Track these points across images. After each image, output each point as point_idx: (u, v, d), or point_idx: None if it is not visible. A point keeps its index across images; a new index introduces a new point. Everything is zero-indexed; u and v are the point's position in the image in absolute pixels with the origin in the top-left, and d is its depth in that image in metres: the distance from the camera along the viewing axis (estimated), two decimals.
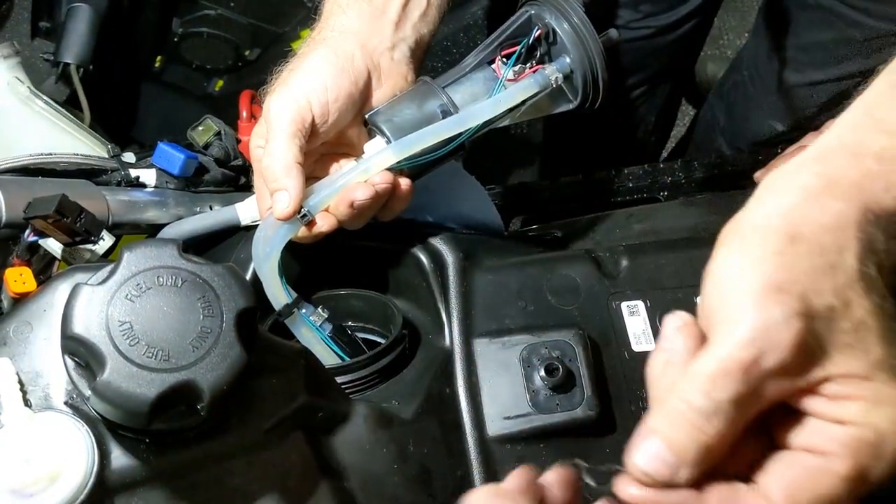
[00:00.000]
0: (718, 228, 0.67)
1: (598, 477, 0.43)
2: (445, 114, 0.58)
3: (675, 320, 0.38)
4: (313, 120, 0.57)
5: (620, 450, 0.56)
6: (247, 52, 1.24)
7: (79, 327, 0.39)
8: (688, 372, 0.35)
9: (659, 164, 0.94)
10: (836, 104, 0.71)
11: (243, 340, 0.40)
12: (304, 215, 0.55)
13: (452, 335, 0.58)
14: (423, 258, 0.61)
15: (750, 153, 1.00)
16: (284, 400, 0.44)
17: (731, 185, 0.87)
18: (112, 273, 0.40)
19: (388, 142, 0.58)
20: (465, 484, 0.53)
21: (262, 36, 1.23)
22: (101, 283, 0.40)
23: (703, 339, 0.36)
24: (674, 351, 0.37)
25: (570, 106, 0.64)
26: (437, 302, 0.60)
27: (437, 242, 0.61)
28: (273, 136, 0.56)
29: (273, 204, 0.54)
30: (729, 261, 0.36)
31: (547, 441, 0.56)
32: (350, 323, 0.61)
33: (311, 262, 0.62)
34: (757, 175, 0.71)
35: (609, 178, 0.91)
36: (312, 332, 0.57)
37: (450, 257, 0.60)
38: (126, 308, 0.39)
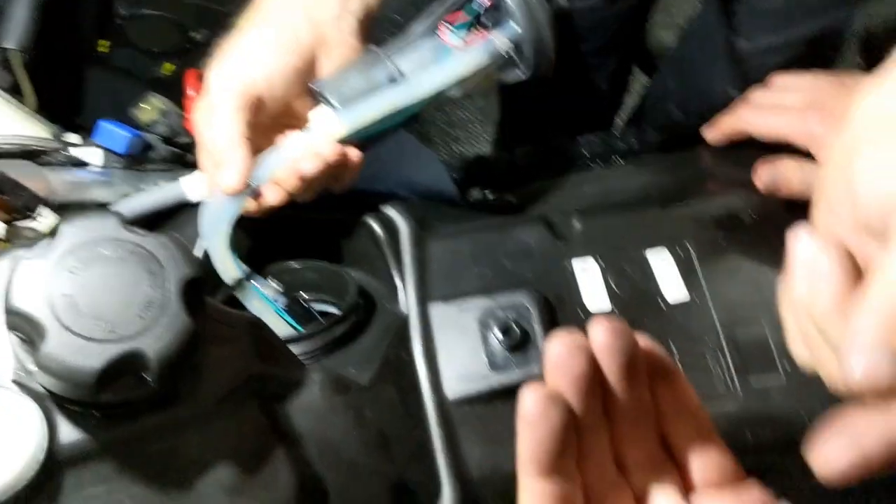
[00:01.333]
0: (668, 188, 0.68)
1: None
2: (393, 82, 0.58)
3: (807, 239, 0.33)
4: (258, 93, 0.56)
5: None
6: (194, 34, 1.22)
7: (19, 301, 0.38)
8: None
9: (613, 131, 0.95)
10: (787, 67, 0.72)
11: (190, 309, 0.40)
12: (252, 189, 0.55)
13: (408, 301, 0.58)
14: (376, 227, 0.61)
15: (702, 118, 1.01)
16: (236, 369, 0.44)
17: (683, 148, 0.88)
18: (52, 246, 0.40)
19: (336, 112, 0.57)
20: (425, 448, 0.53)
21: (210, 16, 1.21)
22: (41, 257, 0.39)
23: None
24: (824, 275, 0.32)
25: (521, 75, 0.64)
26: (391, 270, 0.60)
27: (390, 211, 0.61)
28: (218, 110, 0.55)
29: (219, 178, 0.54)
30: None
31: (506, 400, 0.56)
32: (305, 295, 0.61)
33: (262, 235, 0.62)
34: (706, 132, 0.72)
35: (563, 146, 0.92)
36: (265, 305, 0.57)
37: (403, 225, 0.60)
38: (68, 280, 0.39)
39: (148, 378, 0.39)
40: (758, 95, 0.70)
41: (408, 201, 0.63)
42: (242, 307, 0.58)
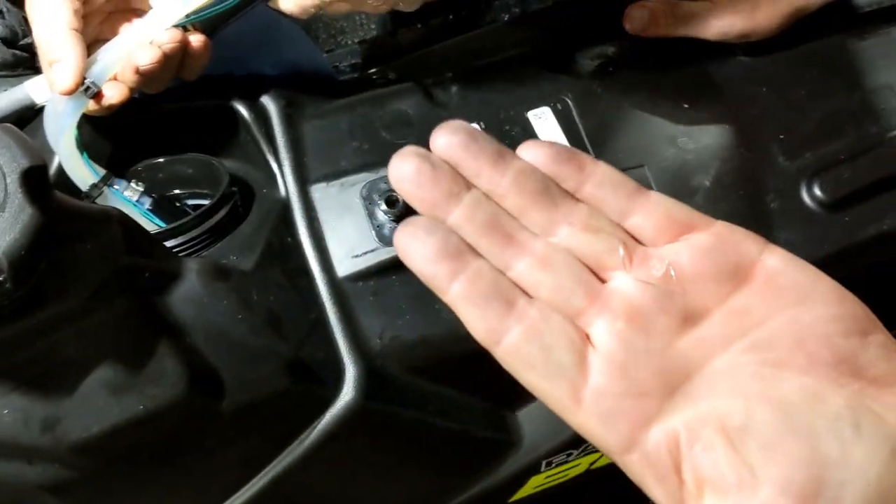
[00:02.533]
0: (544, 45, 0.67)
1: None
2: None
3: None
4: None
5: None
6: None
7: None
8: None
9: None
10: None
11: (35, 201, 0.37)
12: (88, 87, 0.50)
13: (287, 185, 0.56)
14: (244, 111, 0.58)
15: None
16: (102, 264, 0.42)
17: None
18: None
19: None
20: (320, 325, 0.53)
21: None
22: None
23: None
24: None
25: None
26: (265, 155, 0.58)
27: (258, 93, 0.58)
28: (41, 1, 0.51)
29: (51, 77, 0.50)
30: None
31: (399, 272, 0.55)
32: (177, 191, 0.58)
33: (121, 134, 0.58)
34: None
35: (446, 22, 0.89)
36: (129, 208, 0.54)
37: (272, 106, 0.58)
38: None
39: (1, 279, 0.37)
40: None
41: (277, 82, 0.60)
42: None
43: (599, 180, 0.31)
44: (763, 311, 0.29)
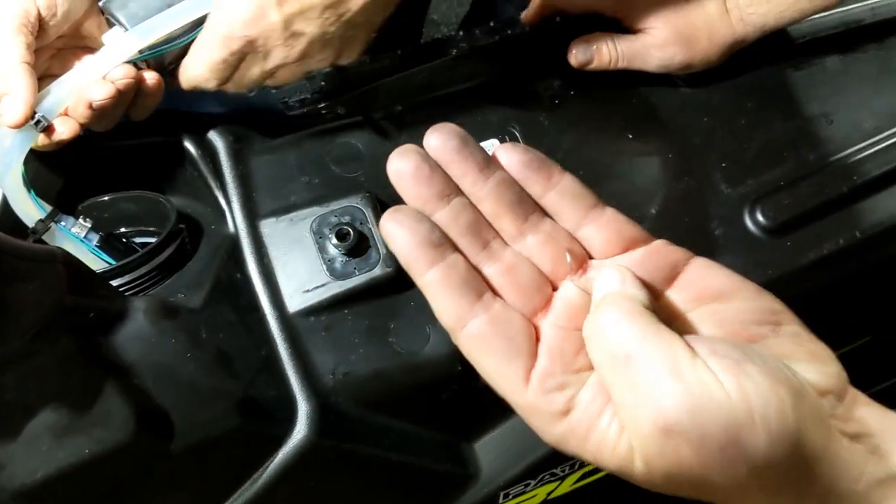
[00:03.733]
0: (491, 78, 0.68)
1: None
2: None
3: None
4: (38, 12, 0.51)
5: (424, 302, 0.56)
6: None
7: None
8: None
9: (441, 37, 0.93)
10: None
11: None
12: (39, 121, 0.50)
13: (236, 220, 0.56)
14: (191, 147, 0.57)
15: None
16: (45, 304, 0.41)
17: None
18: None
19: (126, 31, 0.53)
20: (271, 362, 0.52)
21: None
22: None
23: None
24: None
25: None
26: (214, 191, 0.57)
27: (205, 129, 0.58)
28: None
29: (2, 111, 0.49)
30: None
31: (351, 306, 0.55)
32: (124, 229, 0.58)
33: (69, 170, 0.58)
34: (522, 15, 0.72)
35: (394, 57, 0.90)
36: (77, 245, 0.53)
37: (219, 142, 0.58)
38: None
39: None
40: None
41: (225, 118, 0.60)
42: None
43: (562, 190, 0.36)
44: (686, 306, 0.35)
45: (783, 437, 0.28)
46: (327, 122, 0.63)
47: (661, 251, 0.36)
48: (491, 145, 0.63)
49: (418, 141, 0.62)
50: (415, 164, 0.35)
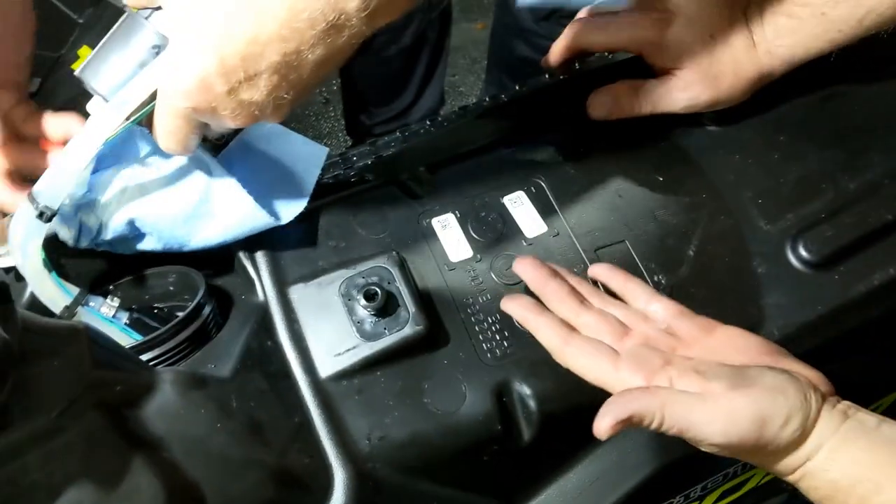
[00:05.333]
0: (513, 131, 0.68)
1: None
2: (160, 49, 0.50)
3: None
4: None
5: (457, 359, 0.56)
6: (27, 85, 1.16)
7: None
8: None
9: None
10: None
11: None
12: (42, 212, 0.50)
13: (265, 288, 0.56)
14: None
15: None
16: (70, 381, 0.41)
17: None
18: None
19: (106, 101, 0.53)
20: (304, 429, 0.51)
21: (39, 64, 1.16)
22: None
23: None
24: None
25: None
26: (243, 261, 0.57)
27: None
28: None
29: None
30: None
31: (383, 367, 0.54)
32: (158, 305, 0.58)
33: (94, 252, 0.58)
34: (544, 60, 0.71)
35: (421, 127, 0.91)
36: (106, 326, 0.53)
37: None
38: None
39: None
40: (588, 10, 0.70)
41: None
42: None
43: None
44: (719, 347, 0.50)
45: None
46: (353, 188, 0.63)
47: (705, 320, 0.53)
48: (517, 197, 0.62)
49: (442, 199, 0.62)
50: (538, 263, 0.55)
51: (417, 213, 0.61)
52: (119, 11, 0.50)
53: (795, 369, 0.47)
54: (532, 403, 0.55)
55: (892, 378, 0.72)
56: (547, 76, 0.72)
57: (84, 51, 1.12)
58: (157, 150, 0.53)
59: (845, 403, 0.46)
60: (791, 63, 0.64)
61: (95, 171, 0.53)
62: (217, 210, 0.54)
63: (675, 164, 0.65)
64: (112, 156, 0.54)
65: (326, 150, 0.60)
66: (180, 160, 0.54)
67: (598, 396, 0.52)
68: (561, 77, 0.71)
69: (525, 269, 0.54)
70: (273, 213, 0.56)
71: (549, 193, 0.63)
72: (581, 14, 0.70)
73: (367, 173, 0.71)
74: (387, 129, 1.39)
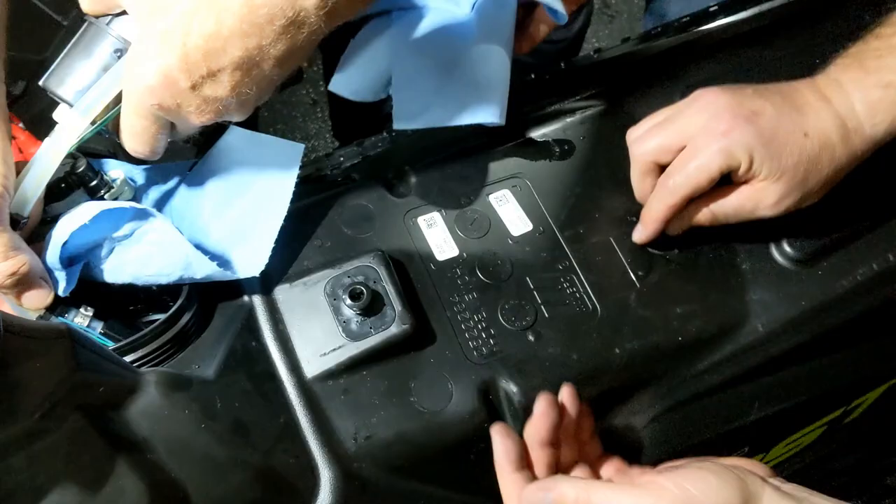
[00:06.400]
0: (497, 132, 0.68)
1: None
2: (122, 52, 0.50)
3: None
4: None
5: (444, 358, 0.55)
6: (11, 88, 1.16)
7: None
8: None
9: None
10: None
11: None
12: (20, 218, 0.50)
13: (250, 289, 0.56)
14: None
15: None
16: (52, 382, 0.40)
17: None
18: None
19: (71, 106, 0.53)
20: (290, 429, 0.51)
21: (23, 67, 1.15)
22: None
23: None
24: None
25: None
26: None
27: None
28: None
29: None
30: None
31: (369, 367, 0.54)
32: (140, 307, 0.57)
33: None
34: (636, 234, 0.61)
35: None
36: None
37: None
38: None
39: None
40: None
41: None
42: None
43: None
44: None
45: None
46: (338, 187, 0.63)
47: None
48: (502, 195, 0.62)
49: (427, 195, 0.62)
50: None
51: (403, 212, 0.61)
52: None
53: (730, 463, 0.46)
54: (518, 401, 0.55)
55: (875, 373, 0.72)
56: (532, 76, 0.72)
57: None
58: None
59: (792, 485, 0.44)
60: (881, 143, 0.55)
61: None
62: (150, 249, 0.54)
63: None
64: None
65: (302, 146, 0.60)
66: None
67: (583, 394, 0.52)
68: (546, 77, 0.71)
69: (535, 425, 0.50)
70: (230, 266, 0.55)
71: (534, 191, 0.63)
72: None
73: (353, 173, 0.71)
74: (373, 130, 1.37)
